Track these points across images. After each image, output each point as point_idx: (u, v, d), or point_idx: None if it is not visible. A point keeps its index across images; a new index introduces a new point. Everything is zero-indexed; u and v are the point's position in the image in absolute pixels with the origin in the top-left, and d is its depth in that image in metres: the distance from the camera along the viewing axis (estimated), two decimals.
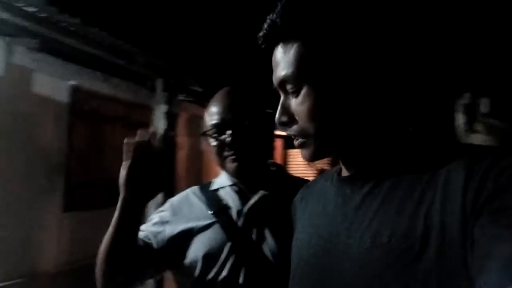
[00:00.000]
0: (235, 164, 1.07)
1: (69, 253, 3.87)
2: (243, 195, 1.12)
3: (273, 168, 1.21)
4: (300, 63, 0.59)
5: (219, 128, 1.08)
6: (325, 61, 0.58)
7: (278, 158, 9.91)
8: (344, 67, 0.58)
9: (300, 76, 0.59)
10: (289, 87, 0.61)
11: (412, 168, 0.58)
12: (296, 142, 0.64)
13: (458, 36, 2.56)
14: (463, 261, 0.46)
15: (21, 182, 3.50)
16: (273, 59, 0.64)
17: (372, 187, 0.60)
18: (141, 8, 2.76)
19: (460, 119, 3.09)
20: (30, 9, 2.26)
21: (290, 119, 0.63)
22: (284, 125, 0.63)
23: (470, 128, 2.98)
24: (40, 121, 3.77)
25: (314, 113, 0.60)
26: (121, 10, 2.70)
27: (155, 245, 1.12)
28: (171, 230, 1.13)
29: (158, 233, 1.13)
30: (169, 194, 3.81)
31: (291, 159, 10.25)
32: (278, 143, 9.80)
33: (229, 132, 1.06)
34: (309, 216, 0.73)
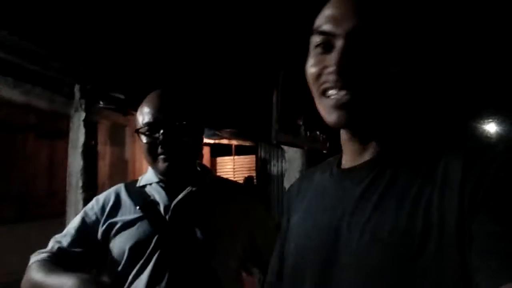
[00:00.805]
0: (165, 164, 1.10)
1: None
2: (170, 191, 1.15)
3: (199, 169, 1.27)
4: (385, 20, 0.56)
5: (151, 127, 1.11)
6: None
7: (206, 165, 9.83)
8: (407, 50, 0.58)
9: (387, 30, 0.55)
10: (370, 36, 0.55)
11: (410, 163, 0.57)
12: (340, 99, 0.56)
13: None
14: (460, 257, 0.46)
15: None
16: (340, 2, 0.58)
17: (371, 180, 0.58)
18: (55, 11, 2.66)
19: None
20: None
21: (353, 68, 0.55)
22: (345, 73, 0.54)
23: None
24: None
25: (387, 71, 0.55)
26: (34, 13, 2.58)
27: (84, 247, 1.11)
28: (99, 226, 1.13)
29: (87, 233, 1.13)
30: None
31: (218, 167, 10.31)
32: (206, 151, 9.81)
33: (161, 131, 1.10)
34: (308, 208, 0.70)
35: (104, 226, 1.12)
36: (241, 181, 7.38)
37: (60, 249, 1.10)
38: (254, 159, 8.78)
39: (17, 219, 4.09)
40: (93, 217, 1.14)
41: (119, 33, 3.11)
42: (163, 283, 1.04)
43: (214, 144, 8.57)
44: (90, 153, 3.75)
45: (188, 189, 1.15)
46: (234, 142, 8.67)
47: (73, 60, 3.18)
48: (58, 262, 1.05)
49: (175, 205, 1.13)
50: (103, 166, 5.52)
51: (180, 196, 1.14)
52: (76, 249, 1.10)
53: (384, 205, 0.55)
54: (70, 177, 3.62)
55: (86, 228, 1.13)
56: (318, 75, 0.59)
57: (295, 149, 4.04)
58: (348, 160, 0.66)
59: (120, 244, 1.10)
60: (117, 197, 1.18)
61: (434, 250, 0.48)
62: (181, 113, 1.13)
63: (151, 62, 3.68)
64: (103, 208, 1.16)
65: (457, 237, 0.47)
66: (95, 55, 3.30)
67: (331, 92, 0.57)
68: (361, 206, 0.58)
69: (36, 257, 1.09)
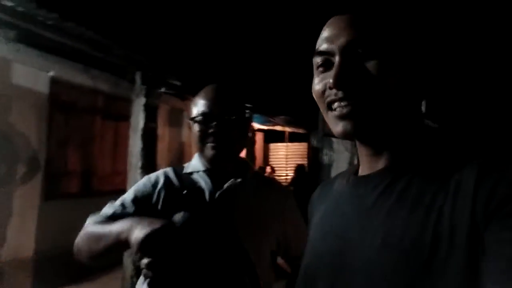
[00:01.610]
0: (213, 152, 1.19)
1: (49, 240, 3.94)
2: (215, 180, 1.21)
3: (241, 163, 1.35)
4: (379, 30, 0.59)
5: (206, 117, 1.20)
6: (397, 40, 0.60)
7: (259, 150, 10.04)
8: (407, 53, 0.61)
9: (382, 40, 0.58)
10: (366, 47, 0.58)
11: (424, 172, 0.58)
12: (342, 110, 0.59)
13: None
14: (469, 269, 0.47)
15: (1, 171, 3.56)
16: (333, 25, 0.63)
17: (385, 187, 0.60)
18: (119, 4, 2.84)
19: None
20: (8, 3, 2.32)
21: (351, 81, 0.58)
22: (343, 86, 0.58)
23: None
24: (20, 111, 3.82)
25: (385, 80, 0.57)
26: (100, 5, 2.78)
27: (136, 213, 1.15)
28: (150, 201, 1.19)
29: (139, 202, 1.18)
30: None
31: (271, 153, 10.41)
32: (259, 137, 9.94)
33: (214, 123, 1.20)
34: (325, 214, 0.72)
35: (153, 203, 1.19)
36: (293, 168, 7.40)
37: (114, 213, 1.17)
38: (306, 146, 8.74)
39: (86, 194, 4.49)
40: (145, 192, 1.20)
41: (177, 25, 3.25)
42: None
43: (268, 130, 8.67)
44: (149, 136, 3.97)
45: (232, 180, 1.22)
46: (287, 129, 8.70)
47: (135, 49, 3.38)
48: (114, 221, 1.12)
49: (220, 193, 1.19)
50: (162, 147, 5.84)
51: (225, 186, 1.21)
52: (129, 213, 1.16)
53: (396, 212, 0.56)
54: (131, 157, 3.87)
55: (138, 199, 1.19)
56: (323, 92, 0.62)
57: (342, 140, 3.98)
58: (364, 168, 0.67)
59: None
60: (167, 178, 1.26)
61: (444, 259, 0.48)
62: (232, 108, 1.22)
63: (206, 51, 3.80)
64: (154, 186, 1.21)
65: (468, 249, 0.47)
66: (155, 45, 3.48)
67: (334, 105, 0.60)
68: (373, 212, 0.59)
69: (91, 219, 1.19)
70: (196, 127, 1.20)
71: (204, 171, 1.24)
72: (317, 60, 0.63)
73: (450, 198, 0.51)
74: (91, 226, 1.15)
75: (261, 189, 1.28)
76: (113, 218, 1.14)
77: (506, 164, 0.51)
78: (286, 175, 8.90)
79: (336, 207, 0.69)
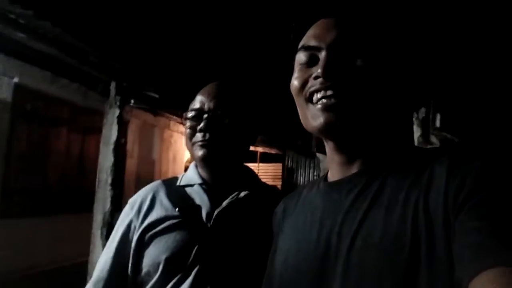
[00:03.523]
0: (202, 150, 1.01)
1: (10, 261, 3.57)
2: (213, 195, 1.04)
3: (245, 173, 1.18)
4: (367, 30, 0.62)
5: (197, 113, 1.04)
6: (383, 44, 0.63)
7: None
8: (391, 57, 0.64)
9: (370, 39, 0.62)
10: (349, 47, 0.61)
11: (397, 171, 0.60)
12: (327, 102, 0.60)
13: (419, 54, 2.74)
14: (449, 256, 0.48)
15: None
16: (321, 24, 0.65)
17: (360, 190, 0.61)
18: (98, 6, 2.67)
19: (417, 132, 3.32)
20: None
21: (337, 73, 0.60)
22: (330, 76, 0.59)
23: (425, 140, 3.21)
24: None
25: (369, 78, 0.60)
26: (77, 6, 2.59)
27: (127, 256, 1.03)
28: (136, 230, 1.04)
29: (129, 240, 1.04)
30: (117, 204, 3.65)
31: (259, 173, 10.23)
32: None
33: (205, 116, 1.03)
34: (295, 225, 0.71)
35: (139, 233, 1.02)
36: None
37: None
38: (279, 167, 8.67)
39: (47, 212, 4.13)
40: (129, 231, 1.04)
41: (157, 33, 3.11)
42: None
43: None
44: (120, 151, 3.75)
45: (234, 195, 1.03)
46: (259, 149, 8.61)
47: (111, 57, 3.20)
48: None
49: (218, 212, 1.01)
50: (131, 165, 5.56)
51: (224, 203, 1.02)
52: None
53: (374, 213, 0.57)
54: (101, 173, 3.62)
55: (121, 259, 1.03)
56: (303, 84, 0.63)
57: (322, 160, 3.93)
58: (335, 174, 0.68)
59: (155, 253, 0.98)
60: (155, 197, 1.07)
61: (426, 252, 0.49)
62: (229, 104, 1.05)
63: (185, 63, 3.67)
64: (138, 211, 1.04)
65: (446, 239, 0.48)
66: (132, 53, 3.31)
67: (318, 95, 0.61)
68: (350, 216, 0.59)
69: None
70: (187, 125, 1.04)
71: (200, 184, 1.06)
72: (301, 56, 0.65)
73: (423, 193, 0.53)
74: None
75: (269, 203, 1.10)
76: None
77: (475, 156, 0.53)
78: None
79: (307, 215, 0.69)
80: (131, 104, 4.18)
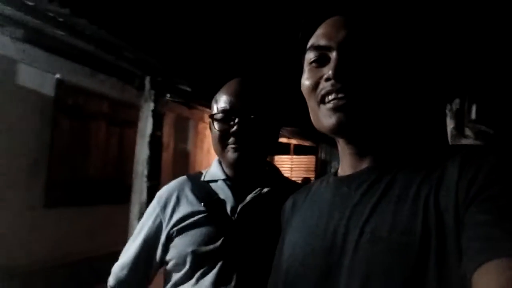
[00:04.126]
0: (236, 154, 1.02)
1: (51, 250, 3.77)
2: (237, 190, 1.06)
3: (268, 168, 1.18)
4: (376, 31, 0.62)
5: (227, 114, 1.04)
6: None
7: None
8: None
9: (379, 39, 0.62)
10: (360, 47, 0.61)
11: (408, 167, 0.60)
12: (338, 102, 0.60)
13: (451, 44, 2.62)
14: (459, 253, 0.47)
15: (1, 177, 3.40)
16: (330, 23, 0.65)
17: (369, 185, 0.61)
18: (133, 4, 2.73)
19: (450, 124, 3.17)
20: None
21: (348, 73, 0.59)
22: (342, 77, 0.59)
23: (459, 132, 3.06)
24: (23, 114, 3.67)
25: (379, 77, 0.60)
26: (113, 3, 2.66)
27: (154, 247, 1.07)
28: (164, 225, 1.08)
29: (155, 235, 1.08)
30: (153, 196, 3.75)
31: (276, 165, 10.24)
32: None
33: (236, 120, 1.03)
34: (303, 218, 0.72)
35: (168, 228, 1.06)
36: (299, 182, 7.25)
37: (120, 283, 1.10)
38: (313, 159, 8.61)
39: (89, 202, 4.33)
40: (155, 225, 1.09)
41: (190, 28, 3.14)
42: None
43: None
44: (156, 143, 3.84)
45: (257, 191, 1.04)
46: (293, 141, 8.57)
47: (145, 52, 3.27)
48: None
49: (242, 207, 1.03)
50: (167, 157, 5.70)
51: (248, 198, 1.04)
52: (138, 278, 1.10)
53: (383, 206, 0.56)
54: (137, 165, 3.73)
55: (147, 248, 1.08)
56: (315, 85, 0.63)
57: None
58: (345, 169, 0.68)
59: (182, 246, 1.02)
60: (180, 193, 1.10)
61: (435, 247, 0.49)
62: (260, 106, 1.04)
63: (218, 57, 3.69)
64: (165, 206, 1.08)
65: (456, 235, 0.48)
66: (165, 49, 3.37)
67: (329, 97, 0.60)
68: (359, 209, 0.59)
69: None
70: (216, 126, 1.03)
71: (224, 180, 1.07)
72: (311, 55, 0.65)
73: (434, 188, 0.53)
74: None
75: None
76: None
77: (487, 153, 0.53)
78: None
79: (315, 208, 0.69)
80: (166, 97, 4.27)
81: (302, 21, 0.70)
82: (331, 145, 7.45)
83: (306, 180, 7.07)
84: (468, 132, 3.01)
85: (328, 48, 0.62)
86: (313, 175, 7.96)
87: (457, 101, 3.12)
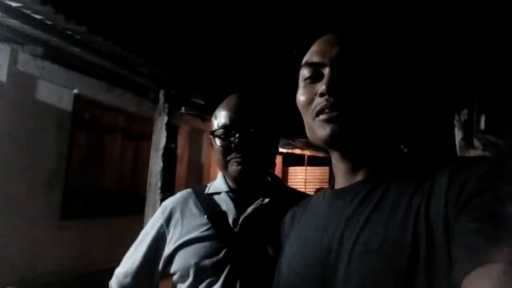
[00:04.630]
0: (239, 168, 1.04)
1: (67, 261, 3.84)
2: (239, 202, 1.07)
3: (270, 179, 1.20)
4: (365, 48, 0.64)
5: (227, 130, 1.06)
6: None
7: (277, 174, 9.84)
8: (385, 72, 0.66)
9: (368, 56, 0.64)
10: (352, 62, 0.63)
11: (401, 178, 0.61)
12: (331, 114, 0.62)
13: (457, 55, 2.62)
14: (449, 262, 0.48)
15: (20, 189, 3.50)
16: (324, 41, 0.67)
17: (363, 197, 0.62)
18: (146, 20, 2.82)
19: (458, 135, 3.13)
20: (37, 16, 2.30)
21: (341, 89, 0.62)
22: (335, 92, 0.62)
23: (468, 143, 3.01)
24: (42, 128, 3.78)
25: (371, 93, 0.62)
26: (127, 20, 2.76)
27: (156, 258, 1.10)
28: (167, 237, 1.10)
29: (157, 245, 1.11)
30: None
31: (290, 177, 10.24)
32: (278, 160, 9.81)
33: (237, 135, 1.06)
34: (301, 230, 0.74)
35: (172, 240, 1.08)
36: (313, 193, 7.21)
37: None
38: (327, 170, 8.56)
39: (105, 214, 4.40)
40: (159, 236, 1.11)
41: (202, 43, 3.22)
42: None
43: (287, 153, 8.53)
44: (169, 156, 3.90)
45: (259, 202, 1.06)
46: (307, 153, 8.55)
47: (159, 67, 3.35)
48: None
49: (244, 218, 1.05)
50: (181, 169, 5.76)
51: (249, 210, 1.06)
52: (141, 286, 1.12)
53: (376, 218, 0.57)
54: (151, 178, 3.79)
55: (150, 258, 1.10)
56: (310, 101, 0.65)
57: None
58: (340, 182, 0.70)
59: (186, 258, 1.04)
60: (184, 205, 1.12)
61: (425, 257, 0.50)
62: (258, 119, 1.07)
63: (231, 70, 3.75)
64: (169, 218, 1.10)
65: (445, 244, 0.49)
66: (178, 63, 3.44)
67: (324, 111, 0.62)
68: (353, 221, 0.60)
69: None
70: (217, 142, 1.05)
71: (227, 192, 1.09)
72: (305, 72, 0.67)
73: (426, 199, 0.54)
74: None
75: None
76: None
77: (475, 164, 0.54)
78: None
79: (312, 221, 0.71)
80: (181, 110, 4.34)
81: (297, 39, 0.72)
82: None
83: (319, 189, 7.02)
84: (476, 143, 2.97)
85: (321, 65, 0.64)
86: (327, 185, 7.92)
87: (465, 111, 3.08)
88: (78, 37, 2.55)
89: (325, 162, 8.35)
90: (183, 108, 4.37)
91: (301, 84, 0.69)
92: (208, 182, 1.20)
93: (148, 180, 3.83)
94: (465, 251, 0.46)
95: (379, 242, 0.55)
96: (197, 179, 6.16)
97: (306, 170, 9.16)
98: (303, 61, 0.68)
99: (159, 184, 3.79)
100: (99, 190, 4.51)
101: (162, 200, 3.81)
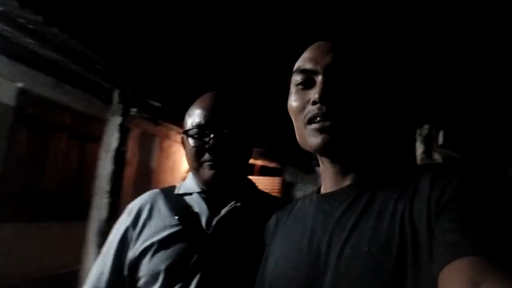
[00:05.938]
0: (212, 172, 1.00)
1: (3, 266, 3.51)
2: (212, 204, 1.03)
3: (244, 182, 1.17)
4: (357, 56, 0.65)
5: (202, 129, 1.02)
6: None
7: None
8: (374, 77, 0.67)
9: (360, 65, 0.65)
10: (344, 71, 0.63)
11: (386, 184, 0.63)
12: (324, 123, 0.63)
13: (421, 72, 2.78)
14: (432, 257, 0.51)
15: None
16: (316, 48, 0.68)
17: (350, 202, 0.63)
18: (107, 15, 2.70)
19: (419, 148, 3.34)
20: None
21: (334, 97, 0.62)
22: (327, 101, 0.62)
23: (428, 156, 3.23)
24: None
25: (363, 99, 0.63)
26: (86, 14, 2.62)
27: (124, 265, 1.02)
28: (133, 241, 1.03)
29: (123, 251, 1.03)
30: (114, 212, 3.61)
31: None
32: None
33: (211, 135, 1.01)
34: (287, 234, 0.74)
35: (137, 243, 1.01)
36: None
37: None
38: (277, 181, 8.65)
39: (45, 218, 4.09)
40: (125, 241, 1.03)
41: (162, 44, 3.14)
42: None
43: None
44: (120, 159, 3.74)
45: (232, 204, 1.02)
46: (258, 162, 8.60)
47: (116, 65, 3.21)
48: None
49: (217, 220, 1.01)
50: (129, 173, 5.53)
51: (223, 212, 1.01)
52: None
53: (363, 222, 0.59)
54: (99, 181, 3.60)
55: (119, 268, 1.02)
56: (302, 108, 0.66)
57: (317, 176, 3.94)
58: (327, 187, 0.71)
59: (154, 263, 0.97)
60: (153, 206, 1.06)
61: (411, 260, 0.52)
62: (234, 120, 1.04)
63: (188, 74, 3.69)
64: (136, 220, 1.03)
65: (429, 244, 0.51)
66: (137, 62, 3.33)
67: (316, 120, 0.63)
68: (340, 226, 0.61)
69: None
70: (190, 142, 1.01)
71: (199, 192, 1.05)
72: (297, 78, 0.67)
73: (409, 202, 0.56)
74: None
75: (268, 211, 1.02)
76: None
77: (455, 170, 0.57)
78: None
79: (298, 225, 0.71)
80: (133, 112, 4.19)
81: (289, 43, 0.72)
82: (297, 167, 7.56)
83: None
84: (436, 156, 3.17)
85: (314, 72, 0.65)
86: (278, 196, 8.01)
87: (426, 126, 3.28)
88: (32, 27, 2.38)
89: (276, 172, 8.44)
90: (135, 110, 4.22)
91: (292, 89, 0.69)
92: (157, 187, 1.14)
93: (96, 183, 3.64)
94: (442, 247, 0.48)
95: (367, 245, 0.56)
96: (145, 185, 5.94)
97: (257, 179, 9.19)
98: (295, 67, 0.69)
99: (107, 188, 3.61)
100: (40, 192, 4.20)
101: (110, 204, 3.63)
